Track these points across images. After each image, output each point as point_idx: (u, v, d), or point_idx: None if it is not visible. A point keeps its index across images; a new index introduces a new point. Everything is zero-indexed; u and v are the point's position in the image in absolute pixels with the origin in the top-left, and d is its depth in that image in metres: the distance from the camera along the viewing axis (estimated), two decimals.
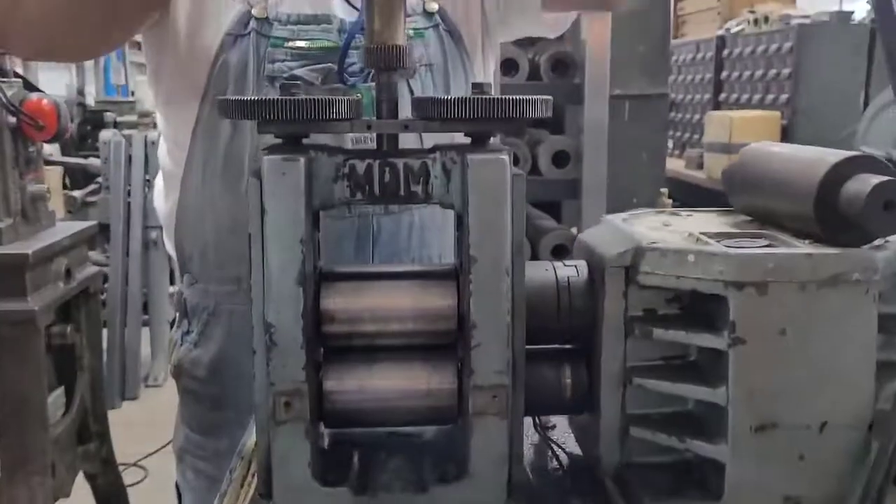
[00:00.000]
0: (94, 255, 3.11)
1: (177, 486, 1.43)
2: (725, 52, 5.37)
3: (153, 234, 4.27)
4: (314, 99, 0.80)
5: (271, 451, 0.83)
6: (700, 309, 0.85)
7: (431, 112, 0.83)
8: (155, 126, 4.65)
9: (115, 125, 4.84)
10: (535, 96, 0.82)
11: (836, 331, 0.80)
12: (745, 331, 0.80)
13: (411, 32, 1.26)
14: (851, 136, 4.10)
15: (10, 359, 2.12)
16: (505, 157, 0.83)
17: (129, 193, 4.24)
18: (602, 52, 2.38)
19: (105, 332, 3.09)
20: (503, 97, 0.81)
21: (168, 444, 2.15)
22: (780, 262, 0.80)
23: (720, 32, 5.47)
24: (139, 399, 4.23)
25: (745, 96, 5.11)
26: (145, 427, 3.55)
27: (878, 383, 0.83)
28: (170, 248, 1.36)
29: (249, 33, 1.19)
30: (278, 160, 0.80)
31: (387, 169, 0.85)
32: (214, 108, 1.23)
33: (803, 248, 0.82)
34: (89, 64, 7.26)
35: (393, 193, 0.86)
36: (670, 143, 5.91)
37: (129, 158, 4.25)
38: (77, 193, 4.23)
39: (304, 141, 0.85)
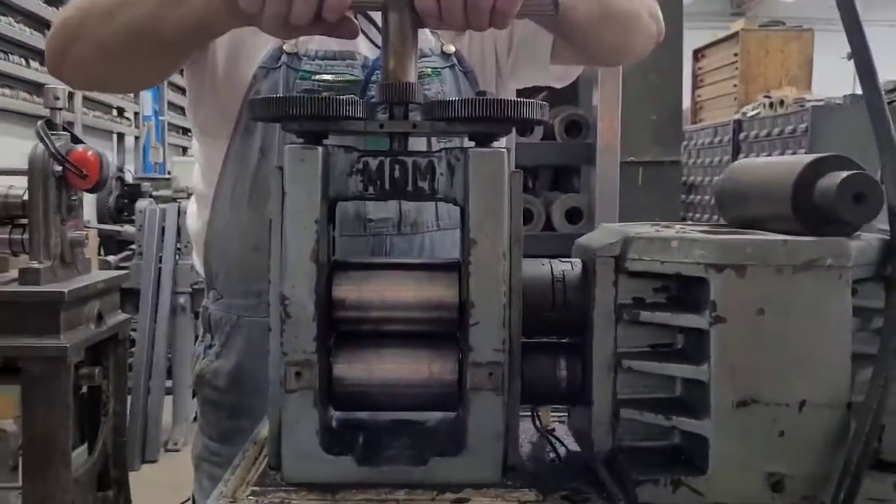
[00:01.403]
0: None
1: (192, 497, 1.47)
2: (742, 134, 5.49)
3: (181, 300, 4.39)
4: (332, 98, 0.90)
5: (281, 419, 0.89)
6: (684, 295, 0.91)
7: (437, 113, 0.92)
8: (188, 196, 4.83)
9: (151, 197, 5.04)
10: (532, 100, 0.92)
11: (812, 313, 0.85)
12: (725, 310, 0.85)
13: (429, 71, 1.37)
14: None
15: (39, 395, 2.20)
16: (503, 151, 0.91)
17: (160, 259, 4.39)
18: (612, 113, 2.51)
19: (129, 397, 3.16)
20: (503, 98, 0.90)
21: (185, 502, 2.18)
22: (757, 246, 0.86)
23: (737, 117, 5.61)
24: (158, 462, 4.25)
25: None
26: (162, 488, 3.56)
27: (852, 373, 0.87)
28: (198, 265, 1.44)
29: (280, 66, 1.31)
30: (298, 148, 0.89)
31: (397, 166, 0.94)
32: (245, 136, 1.34)
33: (780, 236, 0.89)
34: (130, 143, 7.58)
35: (402, 189, 0.95)
36: None
37: (163, 230, 4.43)
38: (111, 258, 4.39)
39: (324, 142, 0.94)
